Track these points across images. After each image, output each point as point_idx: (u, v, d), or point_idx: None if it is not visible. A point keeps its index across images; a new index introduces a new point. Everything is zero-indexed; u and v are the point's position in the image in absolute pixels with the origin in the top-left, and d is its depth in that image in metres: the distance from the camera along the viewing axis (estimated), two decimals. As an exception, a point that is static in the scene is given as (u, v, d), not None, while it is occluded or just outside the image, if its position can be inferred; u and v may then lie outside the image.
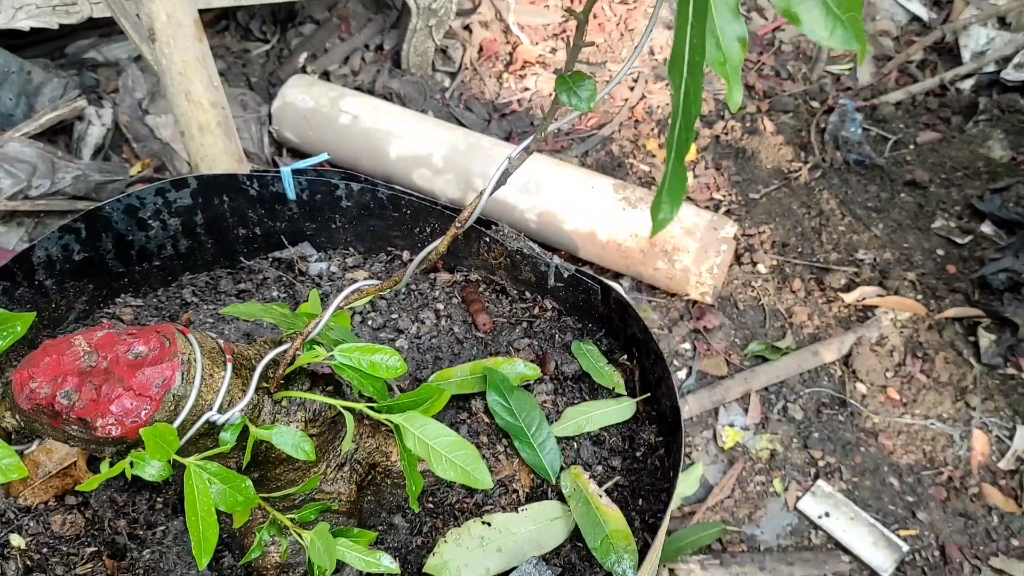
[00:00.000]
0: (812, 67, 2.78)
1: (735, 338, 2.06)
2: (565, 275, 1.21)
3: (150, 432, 0.78)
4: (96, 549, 1.02)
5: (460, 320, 1.28)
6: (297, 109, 2.30)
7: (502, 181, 0.80)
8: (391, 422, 0.88)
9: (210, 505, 0.81)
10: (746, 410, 1.94)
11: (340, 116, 2.26)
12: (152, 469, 0.81)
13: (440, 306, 1.30)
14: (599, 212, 2.06)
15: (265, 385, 0.91)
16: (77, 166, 2.00)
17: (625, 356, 1.21)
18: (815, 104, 2.66)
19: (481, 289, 1.32)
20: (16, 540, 1.01)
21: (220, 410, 0.86)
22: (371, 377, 0.91)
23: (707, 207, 2.37)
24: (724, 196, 2.41)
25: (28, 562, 1.01)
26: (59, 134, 2.20)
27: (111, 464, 0.84)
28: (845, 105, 2.60)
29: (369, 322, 1.28)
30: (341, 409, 0.88)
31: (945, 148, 2.50)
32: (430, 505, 1.06)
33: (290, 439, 0.87)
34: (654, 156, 2.51)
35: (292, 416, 0.92)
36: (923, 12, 2.95)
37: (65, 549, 1.02)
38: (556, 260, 1.21)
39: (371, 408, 0.88)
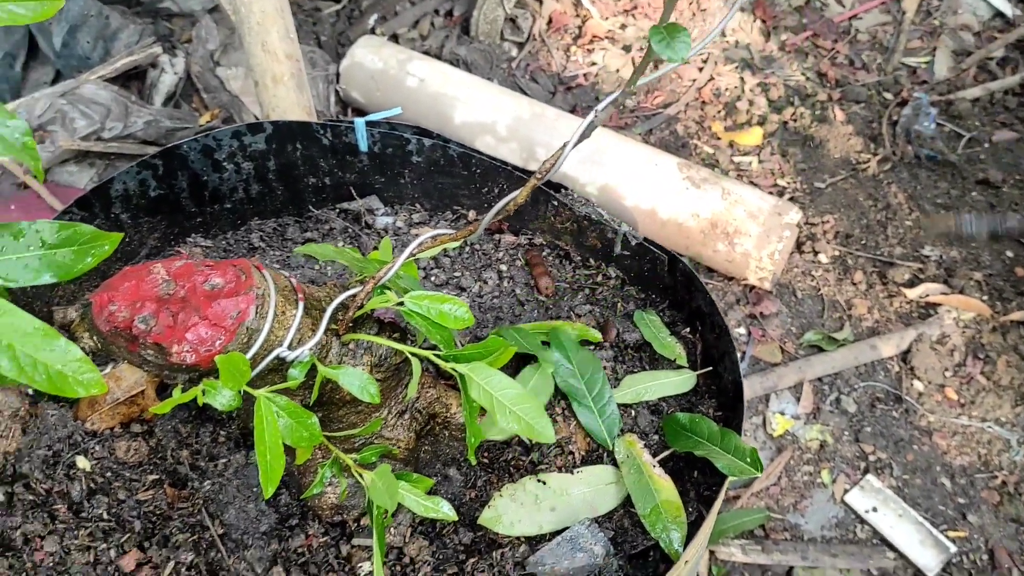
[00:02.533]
0: (888, 58, 2.72)
1: (791, 326, 2.03)
2: (633, 243, 1.20)
3: (225, 360, 0.79)
4: (158, 477, 1.04)
5: (522, 282, 1.28)
6: (365, 69, 2.31)
7: (586, 134, 0.80)
8: (456, 371, 0.88)
9: (277, 437, 0.82)
10: (798, 399, 1.91)
11: (407, 79, 2.26)
12: (223, 397, 0.82)
13: (503, 267, 1.30)
14: (662, 190, 2.03)
15: (334, 327, 0.92)
16: (149, 111, 2.03)
17: (688, 329, 1.20)
18: (888, 96, 2.60)
19: (545, 253, 1.32)
20: (82, 462, 1.04)
21: (290, 347, 0.87)
22: (438, 326, 0.91)
23: (771, 193, 2.33)
24: (788, 183, 2.37)
25: (92, 484, 1.03)
26: (132, 80, 2.24)
27: (183, 391, 0.85)
28: (920, 99, 2.53)
29: (432, 278, 1.29)
30: (408, 355, 0.88)
31: (1021, 148, 2.43)
32: (485, 460, 1.06)
33: (357, 380, 0.87)
34: (719, 139, 2.48)
35: (358, 359, 0.93)
36: (1007, 8, 2.86)
37: (128, 475, 1.04)
38: (624, 227, 1.20)
39: (438, 356, 0.89)
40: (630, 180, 2.05)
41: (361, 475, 0.88)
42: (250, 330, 0.84)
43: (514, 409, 0.85)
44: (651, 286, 1.23)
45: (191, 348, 0.82)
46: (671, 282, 1.20)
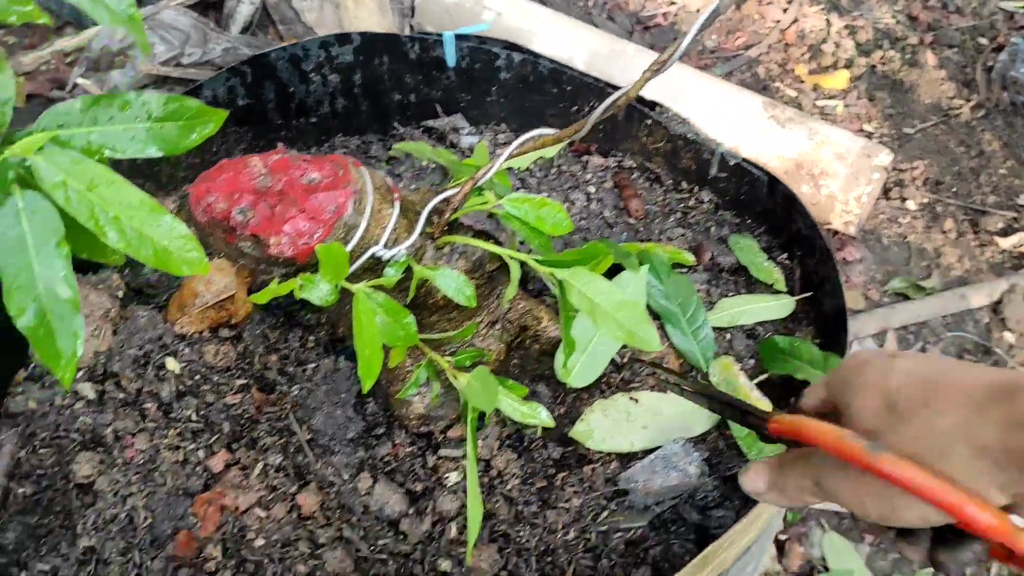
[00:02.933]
0: (984, 1, 2.58)
1: (875, 273, 1.96)
2: (731, 163, 1.15)
3: (325, 250, 0.77)
4: (246, 382, 1.04)
5: (611, 205, 1.24)
6: (440, 3, 2.26)
7: (708, 23, 0.75)
8: (554, 277, 0.85)
9: (376, 332, 0.80)
10: (881, 347, 1.85)
11: (483, 12, 2.21)
12: (320, 291, 0.81)
13: (591, 189, 1.26)
14: (744, 128, 1.96)
15: (429, 230, 0.90)
16: (227, 38, 2.02)
17: (785, 255, 1.15)
18: (983, 41, 2.47)
19: (635, 176, 1.28)
20: (171, 364, 1.04)
21: (386, 246, 0.85)
22: (536, 231, 0.89)
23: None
24: (875, 128, 2.28)
25: (181, 387, 1.03)
26: (210, 8, 2.23)
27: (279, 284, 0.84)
28: (1017, 44, 2.40)
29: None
30: (506, 258, 0.86)
31: None
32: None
33: (453, 282, 0.85)
34: (802, 82, 2.39)
35: (453, 264, 0.90)
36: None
37: (216, 379, 1.04)
38: (722, 148, 1.15)
39: (536, 261, 0.86)
40: (712, 117, 1.98)
41: (456, 377, 0.86)
42: (347, 225, 0.82)
43: (616, 316, 0.81)
44: (747, 210, 1.19)
45: (289, 240, 0.80)
46: (769, 205, 1.15)
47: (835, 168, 1.92)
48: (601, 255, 0.87)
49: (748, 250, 1.13)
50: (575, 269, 0.85)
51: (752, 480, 0.66)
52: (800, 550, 1.68)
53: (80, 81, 1.92)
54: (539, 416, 0.83)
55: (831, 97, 2.36)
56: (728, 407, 0.73)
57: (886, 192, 2.12)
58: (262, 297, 0.80)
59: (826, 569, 1.66)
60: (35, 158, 0.64)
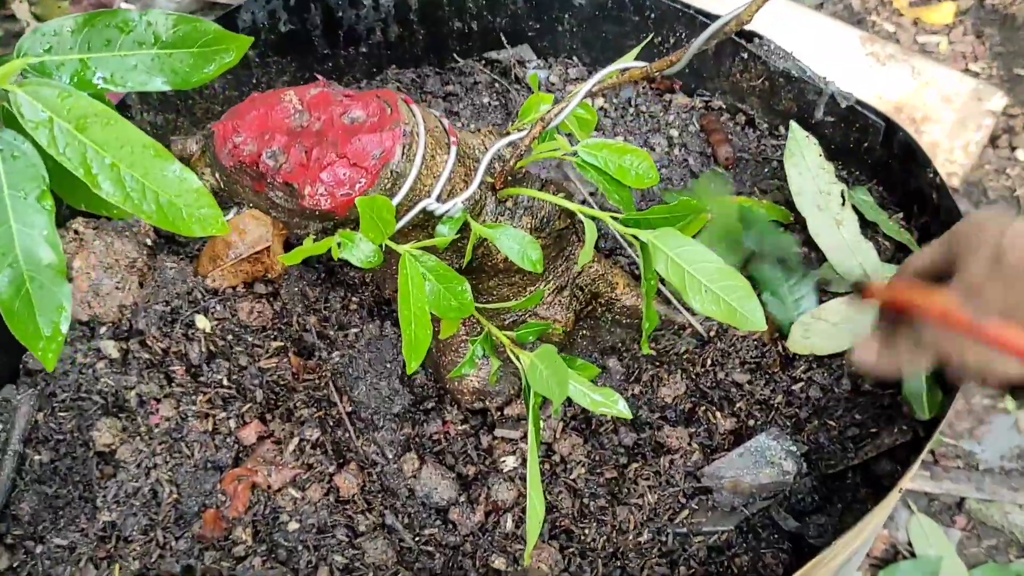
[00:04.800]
0: (1115, -75, 2.30)
1: (980, 230, 1.77)
2: (842, 106, 0.99)
3: (367, 203, 0.64)
4: (282, 344, 0.93)
5: (696, 151, 1.09)
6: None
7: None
8: (638, 239, 0.72)
9: (424, 303, 0.68)
10: (983, 313, 1.67)
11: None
12: (362, 252, 0.69)
13: (674, 133, 1.11)
14: (840, 66, 1.77)
15: (489, 180, 0.76)
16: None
17: (901, 216, 0.99)
18: (1113, -30, 2.21)
19: (724, 118, 1.12)
20: (201, 322, 0.93)
21: (439, 199, 0.72)
22: (617, 184, 0.75)
23: (963, 78, 2.03)
24: (982, 68, 2.05)
25: (212, 347, 0.93)
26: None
27: (315, 242, 0.72)
28: None
29: (590, 143, 1.11)
30: (582, 216, 0.72)
31: None
32: (652, 351, 0.90)
33: (517, 243, 0.72)
34: (901, 15, 2.17)
35: (517, 220, 0.78)
36: None
37: (250, 339, 0.94)
38: (834, 87, 0.99)
39: (616, 220, 0.72)
40: (804, 53, 1.80)
41: (517, 356, 0.73)
42: (395, 174, 0.69)
43: (712, 287, 0.68)
44: (856, 160, 1.03)
45: (326, 191, 0.68)
46: (883, 156, 0.99)
47: (940, 112, 1.73)
48: (694, 213, 0.73)
49: (868, 207, 0.98)
50: (663, 230, 0.71)
51: (863, 353, 0.71)
52: (884, 532, 1.55)
53: (124, 6, 1.81)
54: (616, 406, 0.71)
55: (933, 33, 2.14)
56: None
57: (993, 140, 1.91)
58: (294, 258, 0.68)
59: (912, 555, 1.52)
60: (14, 89, 0.52)
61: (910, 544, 1.53)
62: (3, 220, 0.51)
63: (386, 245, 0.70)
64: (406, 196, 0.71)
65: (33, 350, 0.52)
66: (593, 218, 0.73)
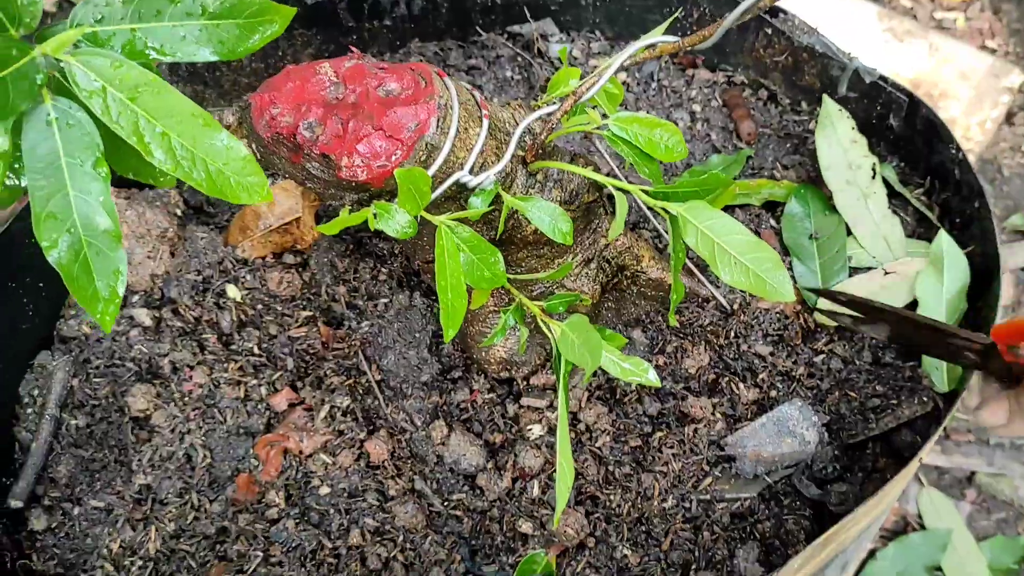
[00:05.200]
0: None
1: (995, 207, 1.78)
2: (866, 82, 0.99)
3: (405, 174, 0.66)
4: (312, 314, 0.95)
5: (719, 126, 1.10)
6: None
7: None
8: (667, 212, 0.73)
9: (459, 272, 0.69)
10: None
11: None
12: (398, 222, 0.70)
13: (696, 108, 1.12)
14: (857, 41, 1.77)
15: (520, 153, 0.78)
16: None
17: (921, 191, 1.00)
18: None
19: (746, 94, 1.13)
20: (232, 291, 0.95)
21: (472, 171, 0.74)
22: (647, 157, 0.76)
23: (980, 55, 2.02)
24: (999, 45, 2.05)
25: (242, 316, 0.95)
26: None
27: (351, 213, 0.73)
28: None
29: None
30: (612, 188, 0.73)
31: None
32: (676, 324, 0.92)
33: (548, 215, 0.73)
34: (919, -9, 2.16)
35: (547, 193, 0.79)
36: None
37: (280, 309, 0.95)
38: (858, 62, 1.00)
39: (645, 192, 0.73)
40: (820, 29, 1.79)
41: (548, 326, 0.75)
42: (429, 146, 0.71)
43: (742, 259, 0.69)
44: (878, 136, 1.03)
45: (363, 162, 0.69)
46: (907, 132, 1.00)
47: (957, 89, 1.73)
48: (722, 186, 0.74)
49: (892, 182, 0.99)
50: (693, 203, 0.72)
51: (992, 414, 0.72)
52: (895, 505, 1.57)
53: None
54: (645, 374, 0.72)
55: (950, 9, 2.13)
56: (927, 331, 0.71)
57: (1009, 118, 1.91)
58: (331, 228, 0.69)
59: (922, 527, 1.54)
60: (68, 59, 0.53)
61: (920, 517, 1.55)
62: (61, 187, 0.53)
63: (420, 216, 0.71)
64: (440, 168, 0.72)
65: (92, 312, 0.54)
66: (623, 191, 0.74)
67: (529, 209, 0.73)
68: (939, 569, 1.51)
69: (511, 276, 0.78)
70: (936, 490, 1.56)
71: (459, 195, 0.75)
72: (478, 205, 0.74)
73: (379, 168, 0.70)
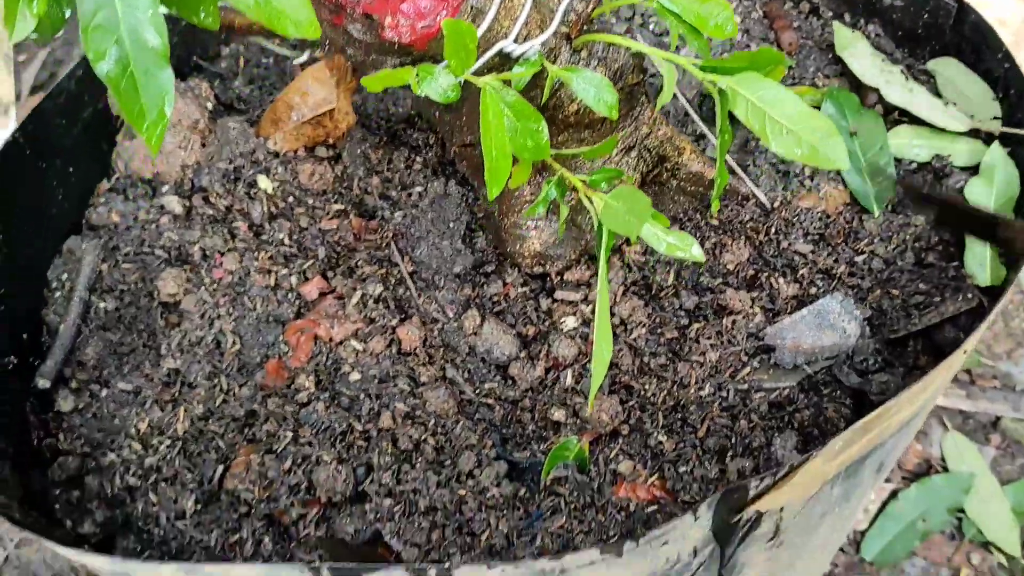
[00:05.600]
0: None
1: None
2: (912, -14, 0.97)
3: (453, 26, 0.64)
4: (343, 208, 0.94)
5: (759, 37, 1.08)
6: None
7: None
8: (715, 85, 0.72)
9: (503, 133, 0.68)
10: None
11: None
12: (440, 84, 0.69)
13: (737, 18, 1.09)
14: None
15: (564, 29, 0.76)
16: None
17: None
18: None
19: (787, 6, 1.11)
20: (263, 182, 0.94)
21: (516, 40, 0.72)
22: (695, 32, 0.74)
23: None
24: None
25: (273, 208, 0.94)
26: None
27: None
28: None
29: (651, 26, 1.10)
30: (661, 60, 0.72)
31: None
32: (715, 221, 0.90)
33: (593, 86, 0.72)
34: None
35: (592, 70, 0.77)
36: None
37: (311, 202, 0.94)
38: (905, -34, 0.97)
39: (695, 66, 0.72)
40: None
41: (590, 198, 0.73)
42: (475, 9, 0.69)
43: (794, 128, 0.67)
44: (924, 46, 1.01)
45: (407, 22, 0.68)
46: (955, 40, 0.98)
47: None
48: (774, 63, 0.72)
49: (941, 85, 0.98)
50: (744, 75, 0.71)
51: None
52: (918, 447, 1.56)
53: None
54: (690, 248, 0.71)
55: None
56: (975, 218, 0.68)
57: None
58: (375, 84, 0.68)
59: (945, 470, 1.53)
60: None
61: (943, 460, 1.54)
62: (108, 1, 0.51)
63: (460, 85, 0.69)
64: (483, 35, 0.70)
65: (139, 130, 0.53)
66: (673, 62, 0.72)
67: (574, 80, 0.72)
68: (961, 511, 1.50)
69: (554, 152, 0.77)
70: (960, 434, 1.54)
71: (501, 67, 0.73)
72: (522, 73, 0.72)
73: (423, 29, 0.69)
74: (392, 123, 0.96)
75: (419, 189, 0.92)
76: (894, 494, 1.55)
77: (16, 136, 0.86)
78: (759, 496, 0.71)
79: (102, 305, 0.90)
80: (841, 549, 1.57)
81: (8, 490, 0.77)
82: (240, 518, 0.80)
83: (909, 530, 1.52)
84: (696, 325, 0.84)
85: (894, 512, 1.53)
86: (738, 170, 0.91)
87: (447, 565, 0.65)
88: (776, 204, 0.90)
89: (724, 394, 0.81)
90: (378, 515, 0.77)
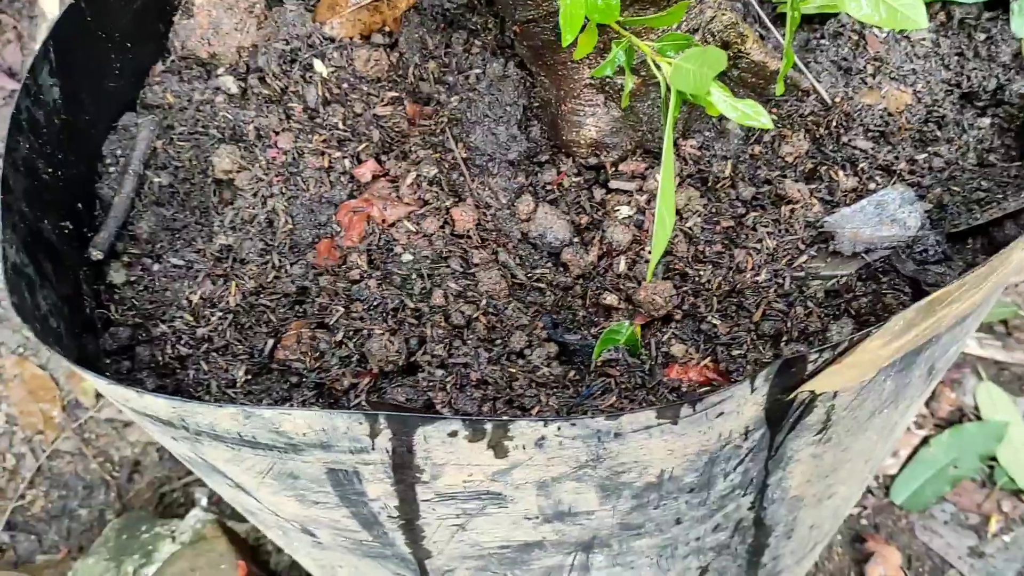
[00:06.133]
0: None
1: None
2: None
3: None
4: (398, 95, 0.93)
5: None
6: None
7: None
8: (789, -42, 0.71)
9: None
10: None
11: None
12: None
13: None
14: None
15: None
16: None
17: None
18: None
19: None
20: (319, 66, 0.94)
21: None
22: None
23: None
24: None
25: (328, 93, 0.93)
26: None
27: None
28: None
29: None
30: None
31: None
32: (774, 115, 0.89)
33: (664, -46, 0.71)
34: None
35: (659, -56, 0.76)
36: None
37: (365, 89, 0.94)
38: None
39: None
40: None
41: (658, 64, 0.73)
42: None
43: (872, -12, 0.66)
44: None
45: None
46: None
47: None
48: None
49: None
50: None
51: None
52: (951, 395, 1.55)
53: None
54: (760, 118, 0.70)
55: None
56: None
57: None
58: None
59: (978, 418, 1.52)
60: None
61: (976, 408, 1.53)
62: None
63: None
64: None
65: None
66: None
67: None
68: (993, 459, 1.49)
69: (621, 19, 0.76)
70: (995, 384, 1.53)
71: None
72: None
73: None
74: (450, 7, 0.95)
75: (477, 72, 0.91)
76: (925, 440, 1.54)
77: (79, 0, 0.86)
78: (816, 372, 0.70)
79: (156, 180, 0.90)
80: (871, 492, 1.56)
81: (67, 352, 0.77)
82: (291, 388, 0.80)
83: (940, 475, 1.52)
84: (753, 214, 0.83)
85: (925, 457, 1.53)
86: (800, 64, 0.89)
87: (504, 418, 0.65)
88: (837, 99, 0.89)
89: (780, 281, 0.80)
90: (430, 384, 0.77)
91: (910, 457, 1.53)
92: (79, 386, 1.69)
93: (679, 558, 0.95)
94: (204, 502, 1.53)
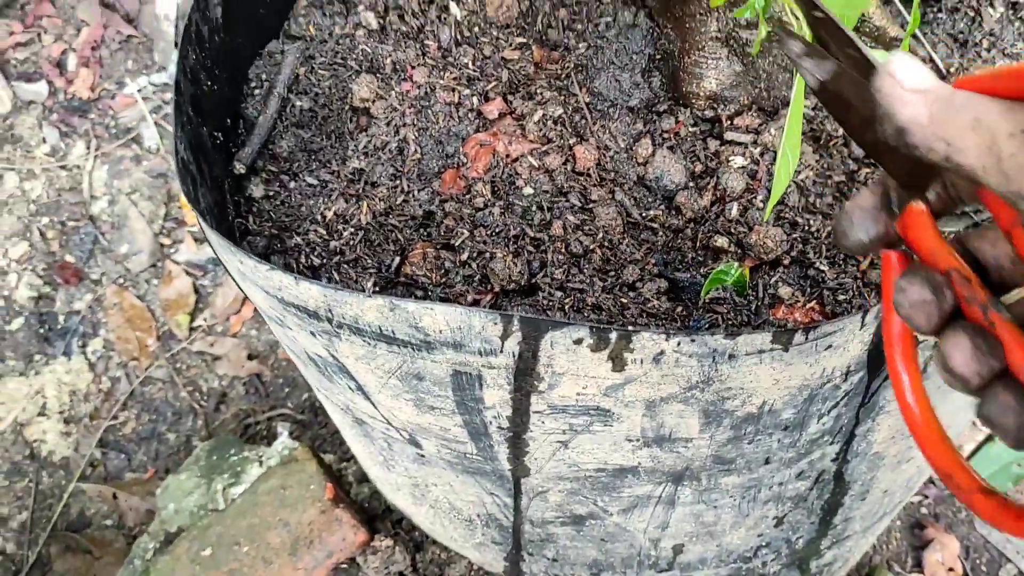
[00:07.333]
0: None
1: None
2: None
3: None
4: (526, 41, 0.98)
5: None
6: None
7: None
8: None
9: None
10: None
11: None
12: None
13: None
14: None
15: None
16: None
17: None
18: None
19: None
20: (454, 8, 0.99)
21: None
22: None
23: None
24: None
25: (459, 36, 0.99)
26: None
27: None
28: None
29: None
30: None
31: None
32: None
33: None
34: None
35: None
36: None
37: (495, 33, 0.99)
38: None
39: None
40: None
41: (795, 14, 0.77)
42: None
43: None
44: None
45: None
46: None
47: None
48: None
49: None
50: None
51: None
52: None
53: None
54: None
55: None
56: None
57: None
58: None
59: None
60: None
61: None
62: None
63: None
64: None
65: None
66: None
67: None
68: (1061, 458, 1.50)
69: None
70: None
71: None
72: None
73: None
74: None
75: (607, 19, 0.96)
76: (990, 437, 1.56)
77: (244, -71, 0.93)
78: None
79: (298, 104, 0.97)
80: (932, 482, 1.58)
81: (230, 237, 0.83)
82: (416, 300, 0.86)
83: (1003, 472, 1.53)
84: (865, 170, 0.87)
85: (990, 453, 1.54)
86: (918, 34, 0.93)
87: (629, 328, 0.70)
88: (952, 70, 0.92)
89: (889, 233, 0.83)
90: (549, 304, 0.82)
91: (974, 452, 1.54)
92: (173, 318, 1.77)
93: (760, 503, 0.99)
94: (286, 435, 1.61)
